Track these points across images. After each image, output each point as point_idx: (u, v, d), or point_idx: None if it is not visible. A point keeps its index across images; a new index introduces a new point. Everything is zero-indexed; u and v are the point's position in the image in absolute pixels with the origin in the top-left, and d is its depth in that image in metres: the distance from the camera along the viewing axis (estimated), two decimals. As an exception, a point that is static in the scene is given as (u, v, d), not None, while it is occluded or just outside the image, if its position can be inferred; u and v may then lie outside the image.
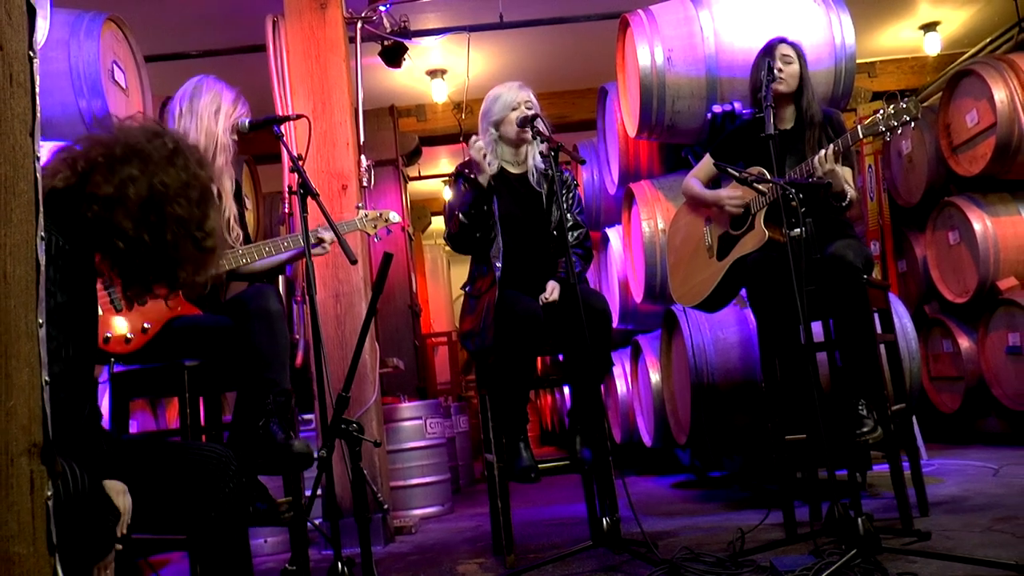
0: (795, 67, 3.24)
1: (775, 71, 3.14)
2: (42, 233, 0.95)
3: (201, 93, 3.00)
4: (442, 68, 6.77)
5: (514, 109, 3.35)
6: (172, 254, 1.69)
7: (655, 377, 4.90)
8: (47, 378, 0.95)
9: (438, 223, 10.60)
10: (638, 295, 4.84)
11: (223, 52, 5.61)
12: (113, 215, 1.61)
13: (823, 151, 3.02)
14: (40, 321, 0.94)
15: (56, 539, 0.93)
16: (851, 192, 3.12)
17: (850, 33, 4.21)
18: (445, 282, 11.75)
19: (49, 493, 0.94)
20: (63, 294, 1.47)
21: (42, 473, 0.93)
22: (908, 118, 2.85)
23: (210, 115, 2.97)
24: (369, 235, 3.20)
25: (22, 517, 0.90)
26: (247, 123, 2.94)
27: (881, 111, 2.90)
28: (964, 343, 5.52)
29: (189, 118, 2.97)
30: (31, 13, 0.97)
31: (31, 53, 0.96)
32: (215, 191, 1.81)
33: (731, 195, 3.32)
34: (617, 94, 4.91)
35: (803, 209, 2.62)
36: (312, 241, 2.92)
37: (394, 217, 3.23)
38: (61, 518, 1.11)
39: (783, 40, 3.32)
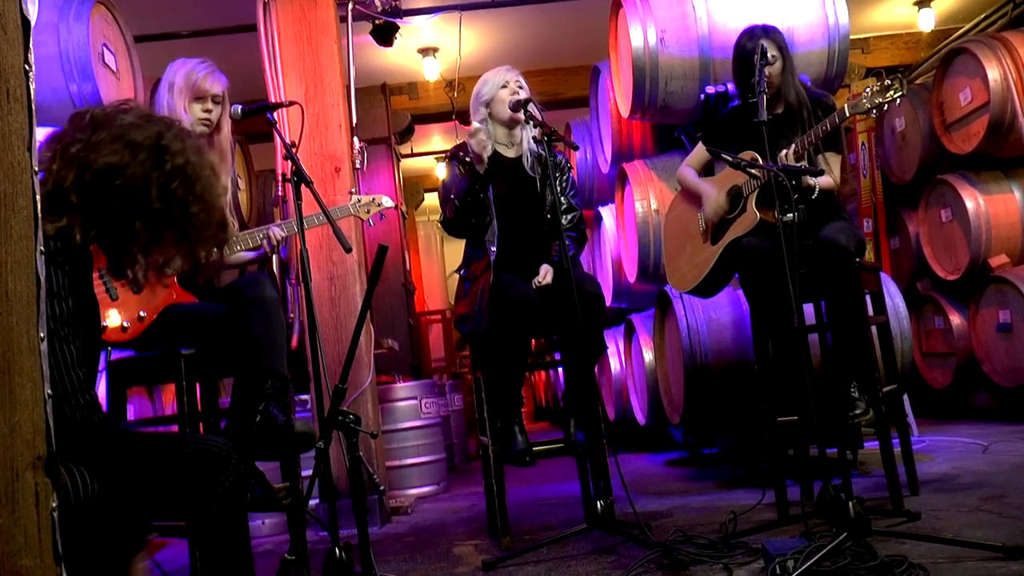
0: (778, 65, 3.24)
1: (770, 57, 3.13)
2: (41, 248, 0.96)
3: (163, 81, 3.02)
4: (434, 46, 6.72)
5: (504, 87, 3.36)
6: (126, 238, 1.67)
7: (648, 356, 4.93)
8: (50, 391, 0.96)
9: (431, 200, 10.58)
10: (631, 275, 4.86)
11: (214, 32, 5.56)
12: (57, 209, 1.61)
13: (784, 151, 3.03)
14: (42, 335, 0.95)
15: (62, 549, 0.95)
16: (824, 180, 3.13)
17: (844, 13, 4.20)
18: (438, 259, 11.75)
19: (54, 504, 0.95)
20: (73, 299, 1.47)
21: (47, 486, 0.95)
22: (894, 95, 2.86)
23: (168, 98, 2.97)
24: (362, 220, 3.21)
25: (28, 530, 0.91)
26: (240, 110, 2.92)
27: (868, 88, 2.91)
28: (955, 320, 5.56)
29: (161, 110, 2.98)
30: (26, 26, 0.96)
31: (27, 67, 0.96)
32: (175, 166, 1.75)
33: (716, 199, 3.34)
34: (610, 73, 4.90)
35: (795, 195, 2.62)
36: (260, 241, 2.95)
37: (387, 202, 3.24)
38: (87, 520, 1.12)
39: (766, 32, 3.28)
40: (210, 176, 1.67)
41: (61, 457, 1.06)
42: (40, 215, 0.96)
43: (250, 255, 3.09)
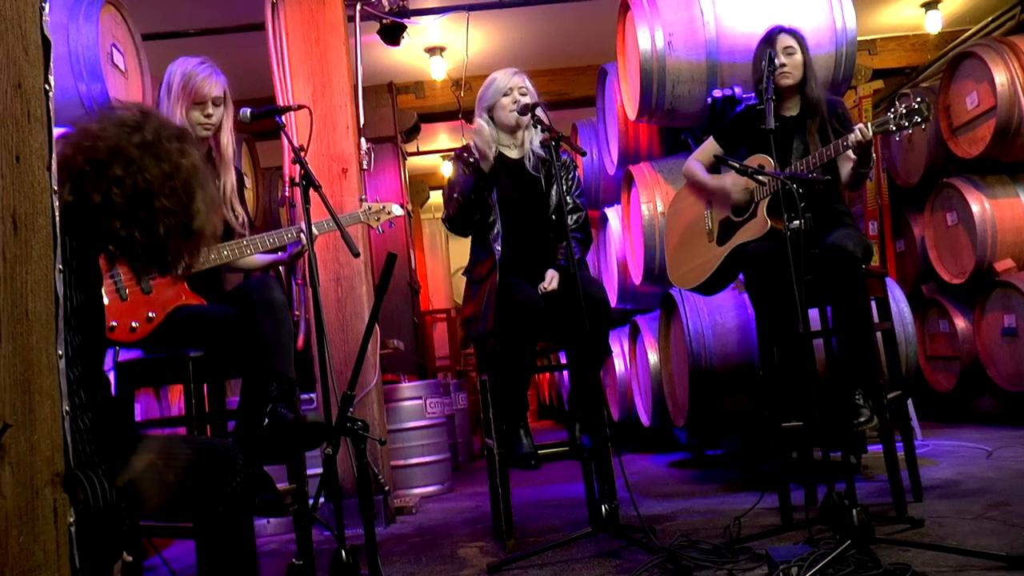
0: (798, 57, 3.24)
1: (777, 63, 3.13)
2: (60, 266, 0.97)
3: (163, 81, 2.99)
4: (441, 45, 6.73)
5: (506, 95, 3.35)
6: (165, 244, 1.72)
7: (653, 358, 4.94)
8: (67, 408, 0.97)
9: (436, 197, 10.60)
10: (637, 277, 4.87)
11: (222, 31, 5.57)
12: (106, 220, 1.64)
13: (862, 124, 2.98)
14: (60, 353, 0.96)
15: (79, 563, 0.97)
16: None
17: (851, 17, 4.20)
18: (443, 257, 11.75)
19: (71, 519, 0.97)
20: (80, 294, 1.49)
21: (65, 501, 0.96)
22: (919, 119, 2.85)
23: (166, 104, 2.95)
24: (371, 227, 3.23)
25: (47, 546, 0.93)
26: (249, 113, 2.93)
27: (893, 111, 2.90)
28: (960, 323, 5.56)
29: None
30: (46, 46, 0.98)
31: (47, 86, 0.97)
32: (196, 172, 1.79)
33: (735, 181, 3.32)
34: (617, 75, 4.90)
35: (803, 204, 2.63)
36: (293, 240, 2.96)
37: (397, 210, 3.25)
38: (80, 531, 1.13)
39: (783, 29, 3.29)
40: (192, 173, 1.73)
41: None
42: (59, 232, 0.97)
43: (272, 257, 3.10)
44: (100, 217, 1.64)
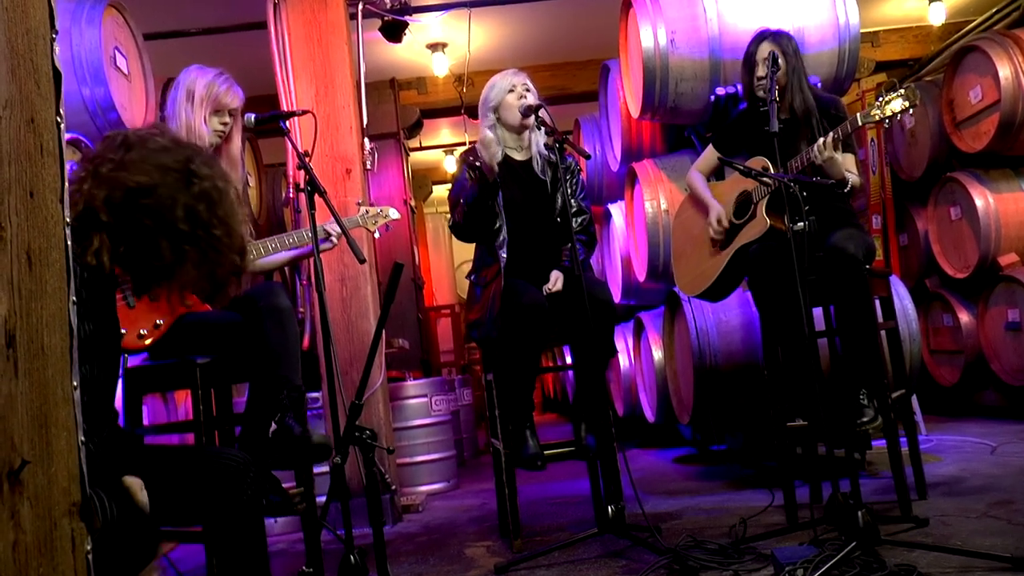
0: (782, 71, 3.23)
1: (766, 71, 3.11)
2: (74, 298, 0.98)
3: (178, 88, 3.01)
4: (443, 42, 6.71)
5: (511, 91, 3.37)
6: (151, 257, 1.72)
7: (658, 355, 4.95)
8: (83, 439, 0.98)
9: (439, 192, 10.61)
10: (641, 274, 4.87)
11: (223, 30, 5.57)
12: (86, 230, 1.65)
13: (821, 140, 3.01)
14: (75, 384, 0.98)
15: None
16: (852, 178, 3.13)
17: (854, 12, 4.19)
18: (447, 252, 11.75)
19: (88, 548, 0.98)
20: (90, 323, 1.50)
21: (82, 530, 0.98)
22: (908, 105, 2.86)
23: (186, 108, 2.97)
24: (369, 231, 3.24)
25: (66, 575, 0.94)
26: (253, 118, 2.94)
27: (879, 99, 2.91)
28: (964, 318, 5.56)
29: (173, 120, 2.98)
30: (57, 78, 0.98)
31: (58, 118, 0.98)
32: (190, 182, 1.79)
33: (719, 216, 3.35)
34: (619, 72, 4.89)
35: (807, 208, 2.63)
36: (321, 236, 2.96)
37: (394, 214, 3.26)
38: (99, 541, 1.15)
39: (774, 37, 3.28)
40: (233, 202, 1.72)
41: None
42: (72, 265, 0.98)
43: (295, 253, 3.11)
44: (83, 225, 1.64)
